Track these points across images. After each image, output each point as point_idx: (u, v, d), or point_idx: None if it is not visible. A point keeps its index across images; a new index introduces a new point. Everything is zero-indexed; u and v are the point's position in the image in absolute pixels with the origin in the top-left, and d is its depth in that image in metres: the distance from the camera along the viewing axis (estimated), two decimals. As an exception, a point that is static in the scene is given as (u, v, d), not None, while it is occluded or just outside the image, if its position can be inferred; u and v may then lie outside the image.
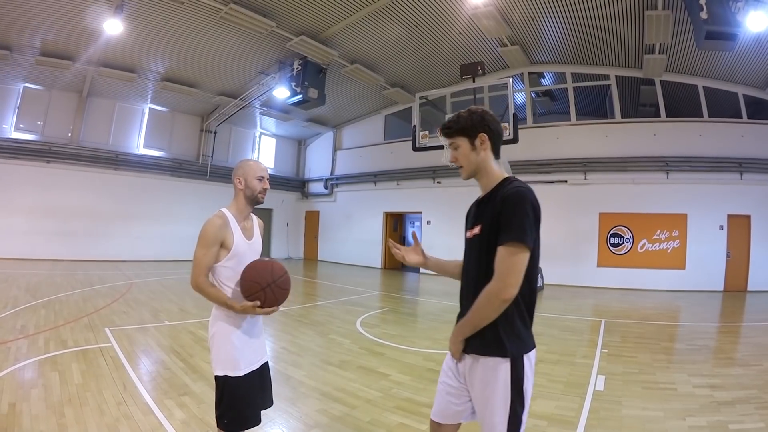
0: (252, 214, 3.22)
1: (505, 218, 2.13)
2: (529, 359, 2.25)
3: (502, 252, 2.10)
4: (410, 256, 2.91)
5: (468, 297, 2.33)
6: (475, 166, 2.40)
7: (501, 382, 2.18)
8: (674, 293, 14.76)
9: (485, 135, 2.36)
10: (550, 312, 10.65)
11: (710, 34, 10.14)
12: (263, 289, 2.76)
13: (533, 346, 2.28)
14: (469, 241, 2.44)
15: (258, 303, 2.72)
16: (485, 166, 2.40)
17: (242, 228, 3.04)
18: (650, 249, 15.89)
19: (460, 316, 2.41)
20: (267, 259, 2.98)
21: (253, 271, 2.81)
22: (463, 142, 2.40)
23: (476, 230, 2.33)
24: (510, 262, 2.08)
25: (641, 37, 13.83)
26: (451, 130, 2.43)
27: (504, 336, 2.18)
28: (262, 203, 3.15)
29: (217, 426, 2.98)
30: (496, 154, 2.43)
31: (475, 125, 2.37)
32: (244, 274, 2.79)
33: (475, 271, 2.32)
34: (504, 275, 2.08)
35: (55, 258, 17.58)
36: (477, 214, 2.41)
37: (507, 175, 2.39)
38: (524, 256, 2.09)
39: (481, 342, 2.24)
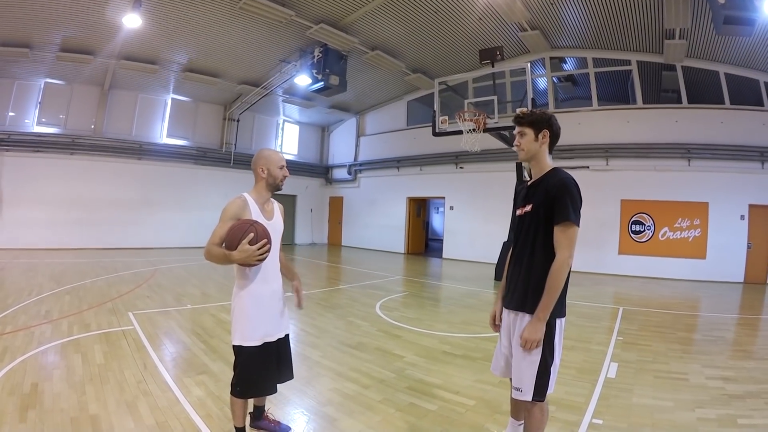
0: (272, 198, 3.49)
1: (558, 203, 2.75)
2: (561, 323, 2.89)
3: (559, 229, 2.76)
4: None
5: (521, 261, 2.97)
6: (533, 154, 3.00)
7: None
8: (694, 283, 14.56)
9: (547, 132, 2.97)
10: (569, 299, 10.17)
11: (728, 18, 10.02)
12: (252, 224, 3.06)
13: (564, 314, 2.94)
14: (520, 218, 3.04)
15: (252, 235, 2.98)
16: (541, 156, 3.00)
17: (262, 210, 3.30)
18: (671, 237, 15.69)
19: (511, 281, 3.07)
20: None
21: (238, 221, 3.10)
22: (529, 132, 2.98)
23: (528, 208, 2.94)
24: (567, 236, 2.75)
25: (661, 21, 13.56)
26: (523, 119, 3.01)
27: None
28: (281, 190, 3.44)
29: (230, 392, 3.30)
30: (551, 150, 3.04)
31: (543, 122, 2.97)
32: (232, 227, 3.05)
33: (530, 238, 2.91)
34: (566, 246, 2.75)
35: (81, 247, 17.86)
36: (528, 194, 3.00)
37: (555, 166, 2.99)
38: (575, 231, 2.77)
39: (525, 302, 2.88)
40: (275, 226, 3.36)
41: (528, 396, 2.78)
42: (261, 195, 3.34)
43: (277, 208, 3.51)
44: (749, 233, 14.95)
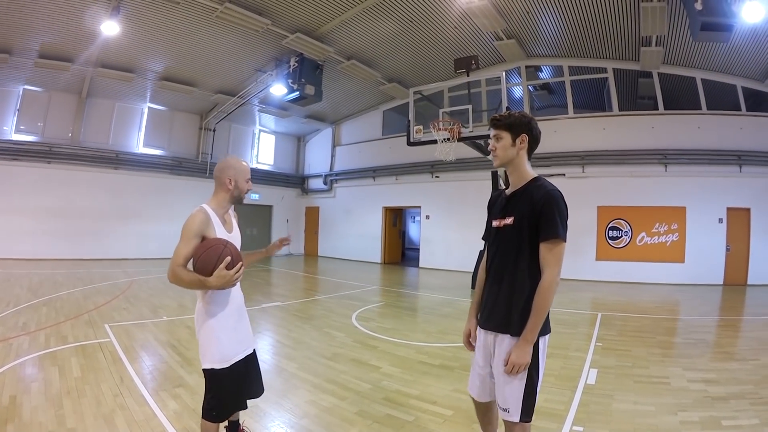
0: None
1: (545, 218, 2.56)
2: (545, 341, 2.70)
3: (547, 247, 2.57)
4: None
5: (500, 279, 2.74)
6: (508, 159, 2.78)
7: None
8: (673, 287, 14.67)
9: (526, 137, 2.74)
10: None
11: (705, 25, 10.15)
12: (225, 245, 2.86)
13: (549, 331, 2.75)
14: (498, 230, 2.81)
15: (229, 259, 2.78)
16: (519, 162, 2.78)
17: (222, 222, 3.12)
18: (649, 242, 15.84)
19: (488, 299, 2.83)
20: None
21: (207, 242, 2.89)
22: (505, 136, 2.76)
23: (508, 221, 2.72)
24: (555, 253, 2.55)
25: (637, 29, 13.74)
26: (500, 122, 2.79)
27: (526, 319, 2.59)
28: (243, 203, 3.30)
29: (202, 416, 3.09)
30: (530, 156, 2.82)
31: (521, 126, 2.75)
32: (202, 248, 2.84)
33: (512, 254, 2.68)
34: (554, 264, 2.55)
35: (58, 258, 17.64)
36: (508, 206, 2.77)
37: (537, 175, 2.78)
38: (563, 248, 2.57)
39: (507, 322, 2.67)
40: (236, 239, 3.19)
41: (516, 417, 2.61)
42: (221, 206, 3.14)
43: (234, 218, 3.35)
44: (728, 236, 15.20)
